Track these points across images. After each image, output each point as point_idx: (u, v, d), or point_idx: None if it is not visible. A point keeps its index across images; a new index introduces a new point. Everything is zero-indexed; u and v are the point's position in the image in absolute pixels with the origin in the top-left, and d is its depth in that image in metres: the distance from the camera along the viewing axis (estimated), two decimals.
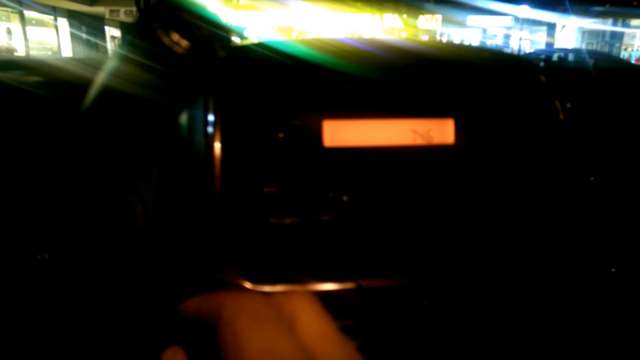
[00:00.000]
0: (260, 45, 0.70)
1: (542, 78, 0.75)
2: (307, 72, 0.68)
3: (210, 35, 0.43)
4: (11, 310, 0.59)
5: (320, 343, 0.30)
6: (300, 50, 0.69)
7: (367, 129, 0.68)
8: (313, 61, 0.68)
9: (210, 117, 0.63)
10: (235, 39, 0.54)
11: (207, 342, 0.29)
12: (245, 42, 0.72)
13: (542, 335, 0.67)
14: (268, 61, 0.68)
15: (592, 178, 0.78)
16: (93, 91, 0.50)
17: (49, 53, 17.61)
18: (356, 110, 0.68)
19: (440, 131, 0.69)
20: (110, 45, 20.69)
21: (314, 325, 0.31)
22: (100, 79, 0.49)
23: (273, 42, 0.68)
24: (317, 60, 0.69)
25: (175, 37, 0.41)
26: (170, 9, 0.42)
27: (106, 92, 0.49)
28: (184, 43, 0.42)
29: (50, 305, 0.59)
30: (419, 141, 0.68)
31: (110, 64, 0.48)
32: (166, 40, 0.41)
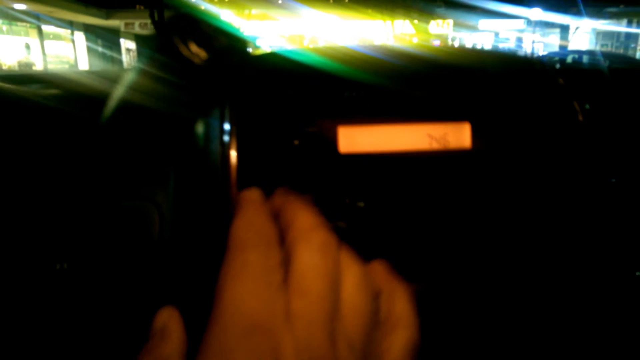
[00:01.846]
0: (274, 54, 0.70)
1: (560, 80, 0.74)
2: (321, 79, 0.68)
3: (228, 45, 0.44)
4: (30, 318, 0.60)
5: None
6: (314, 58, 0.69)
7: (382, 135, 0.67)
8: (327, 69, 0.68)
9: (226, 126, 0.63)
10: (250, 49, 0.54)
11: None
12: (260, 51, 0.73)
13: (570, 339, 0.66)
14: (282, 69, 0.69)
15: (614, 179, 0.76)
16: (111, 104, 0.51)
17: (66, 66, 18.02)
18: (371, 116, 0.68)
19: (457, 135, 0.69)
20: (125, 58, 21.09)
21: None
22: (119, 91, 0.50)
23: (287, 50, 0.69)
24: (330, 67, 0.69)
25: (194, 48, 0.42)
26: (189, 21, 0.43)
27: (124, 104, 0.49)
28: (202, 54, 0.42)
29: (69, 313, 0.60)
30: (435, 146, 0.68)
31: (128, 76, 0.49)
32: (185, 52, 0.41)
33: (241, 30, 0.47)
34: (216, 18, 0.45)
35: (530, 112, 0.70)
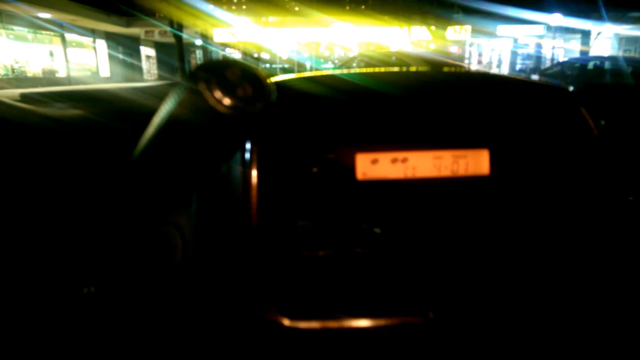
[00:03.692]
0: (293, 81, 0.71)
1: (583, 110, 0.73)
2: (340, 107, 0.69)
3: (253, 94, 0.45)
4: (57, 337, 0.62)
5: None
6: (331, 85, 0.70)
7: (400, 161, 0.68)
8: (345, 96, 0.70)
9: (248, 154, 0.65)
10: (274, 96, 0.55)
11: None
12: (277, 79, 0.74)
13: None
14: (301, 97, 0.70)
15: (632, 198, 0.75)
16: (144, 142, 0.53)
17: (88, 73, 18.41)
18: (389, 143, 0.69)
19: (475, 162, 0.69)
20: (145, 65, 21.46)
21: None
22: (149, 131, 0.52)
23: (303, 78, 0.70)
24: (349, 95, 0.70)
25: (219, 95, 0.43)
26: (215, 70, 0.45)
27: (154, 142, 0.51)
28: (227, 102, 0.44)
29: (97, 335, 0.62)
30: (453, 172, 0.68)
31: (158, 118, 0.51)
32: (210, 100, 0.43)
33: (266, 77, 0.48)
34: (242, 66, 0.46)
35: (547, 138, 0.70)
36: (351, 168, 0.67)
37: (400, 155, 0.68)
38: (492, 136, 0.70)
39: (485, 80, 0.75)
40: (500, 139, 0.70)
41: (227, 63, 0.46)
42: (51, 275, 0.60)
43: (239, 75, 0.45)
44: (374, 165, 0.68)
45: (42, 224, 0.62)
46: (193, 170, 0.53)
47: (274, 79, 0.75)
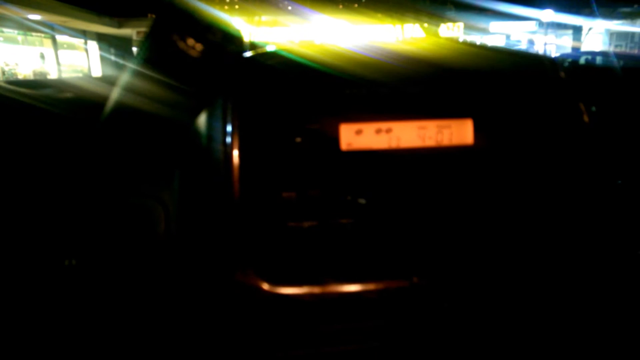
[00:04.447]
0: (276, 51, 0.71)
1: (566, 77, 0.73)
2: (323, 77, 0.69)
3: (223, 38, 0.45)
4: (40, 311, 0.61)
5: None
6: (316, 56, 0.70)
7: (383, 132, 0.68)
8: (329, 67, 0.69)
9: (229, 124, 0.64)
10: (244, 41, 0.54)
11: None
12: (262, 50, 0.74)
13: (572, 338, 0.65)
14: (284, 67, 0.69)
15: (620, 181, 0.75)
16: (109, 105, 0.52)
17: (80, 75, 18.33)
18: (373, 113, 0.68)
19: (459, 132, 0.69)
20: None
21: None
22: (117, 93, 0.51)
23: (289, 48, 0.69)
24: (332, 65, 0.69)
25: (190, 41, 0.43)
26: (184, 15, 0.44)
27: (124, 106, 0.50)
28: (199, 47, 0.43)
29: (78, 307, 0.61)
30: (437, 142, 0.68)
31: (126, 78, 0.50)
32: (181, 45, 0.42)
33: (235, 23, 0.47)
34: (210, 12, 0.46)
35: (534, 110, 0.70)
36: (335, 139, 0.67)
37: (384, 125, 0.68)
38: (477, 106, 0.70)
39: (470, 50, 0.75)
40: (484, 109, 0.70)
41: (196, 10, 0.45)
42: (31, 248, 0.59)
43: (208, 21, 0.45)
44: (358, 136, 0.68)
45: (19, 196, 0.61)
46: (169, 140, 0.53)
47: (257, 51, 0.74)
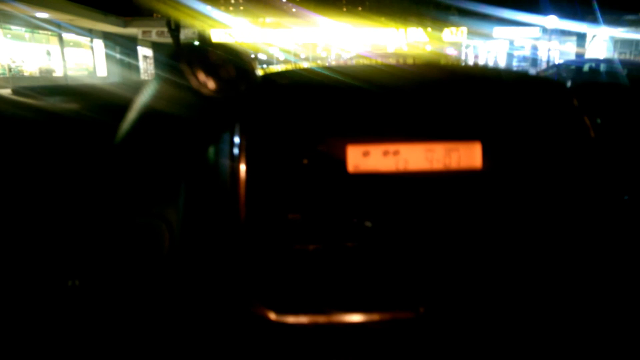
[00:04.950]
0: (284, 74, 0.71)
1: (575, 101, 0.73)
2: (330, 100, 0.68)
3: (236, 75, 0.44)
4: (44, 330, 0.61)
5: None
6: (323, 77, 0.70)
7: (390, 154, 0.67)
8: (336, 89, 0.69)
9: (236, 146, 0.64)
10: (260, 65, 0.55)
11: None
12: (269, 71, 0.73)
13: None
14: (291, 90, 0.69)
15: (627, 197, 0.75)
16: (126, 125, 0.52)
17: (85, 73, 18.36)
18: (380, 135, 0.68)
19: (467, 155, 0.68)
20: (142, 65, 21.42)
21: None
22: (132, 113, 0.51)
23: (296, 70, 0.69)
24: (339, 88, 0.69)
25: (202, 78, 0.42)
26: (197, 53, 0.44)
27: (138, 126, 0.50)
28: (211, 84, 0.43)
29: (82, 327, 0.61)
30: (445, 165, 0.68)
31: (142, 98, 0.50)
32: (193, 83, 0.42)
33: (250, 58, 0.47)
34: (225, 48, 0.46)
35: (542, 134, 0.70)
36: (342, 160, 0.67)
37: (391, 147, 0.68)
38: (485, 129, 0.69)
39: (479, 74, 0.75)
40: (493, 132, 0.69)
41: (210, 45, 0.45)
42: (34, 268, 0.59)
43: (222, 58, 0.44)
44: (365, 158, 0.67)
45: (24, 215, 0.61)
46: (178, 160, 0.53)
47: (265, 72, 0.74)
